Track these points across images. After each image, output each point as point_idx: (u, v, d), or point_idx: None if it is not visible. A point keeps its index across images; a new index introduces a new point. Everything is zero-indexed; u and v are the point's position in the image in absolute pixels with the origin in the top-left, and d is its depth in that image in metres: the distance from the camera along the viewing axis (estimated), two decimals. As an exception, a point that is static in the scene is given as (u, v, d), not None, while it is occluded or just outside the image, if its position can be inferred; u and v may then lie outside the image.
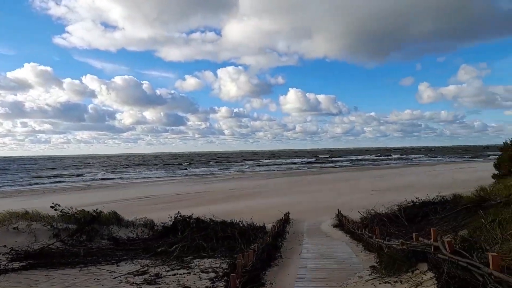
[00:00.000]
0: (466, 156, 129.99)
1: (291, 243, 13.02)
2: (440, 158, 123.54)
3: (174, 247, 11.98)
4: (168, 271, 9.27)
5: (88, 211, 15.92)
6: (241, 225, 16.19)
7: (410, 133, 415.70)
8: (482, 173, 52.25)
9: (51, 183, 64.73)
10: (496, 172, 34.25)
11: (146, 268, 9.66)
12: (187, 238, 13.59)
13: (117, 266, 10.28)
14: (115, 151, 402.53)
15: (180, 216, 16.63)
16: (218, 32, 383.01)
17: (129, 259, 11.08)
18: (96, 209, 15.68)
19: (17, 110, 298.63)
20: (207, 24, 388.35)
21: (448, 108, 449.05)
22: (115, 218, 16.17)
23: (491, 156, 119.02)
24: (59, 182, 66.01)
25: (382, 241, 8.84)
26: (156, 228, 16.57)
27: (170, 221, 16.35)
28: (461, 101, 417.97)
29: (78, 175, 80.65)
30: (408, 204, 17.09)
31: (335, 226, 17.15)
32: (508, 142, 33.30)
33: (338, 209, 20.32)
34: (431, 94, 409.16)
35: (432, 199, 16.72)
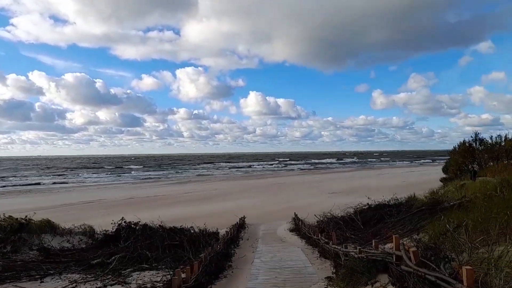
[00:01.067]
0: (416, 161, 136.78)
1: (244, 250, 12.15)
2: (392, 162, 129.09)
3: (112, 258, 10.66)
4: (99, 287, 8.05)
5: (17, 218, 14.10)
6: (192, 231, 15.08)
7: (364, 137, 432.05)
8: (431, 176, 54.82)
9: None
10: (444, 175, 35.84)
11: (74, 285, 8.36)
12: (130, 247, 12.29)
13: (41, 282, 8.88)
14: (66, 153, 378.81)
15: (125, 222, 15.25)
16: (177, 32, 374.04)
17: (57, 273, 9.64)
18: (26, 216, 13.88)
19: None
20: (165, 23, 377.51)
21: (399, 114, 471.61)
22: (49, 226, 14.39)
23: (437, 161, 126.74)
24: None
25: (339, 247, 8.22)
26: (96, 236, 15.01)
27: (113, 228, 14.93)
28: (411, 108, 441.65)
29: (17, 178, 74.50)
30: (364, 207, 16.90)
31: (291, 230, 16.53)
32: (457, 148, 34.92)
33: (294, 213, 19.77)
34: (384, 101, 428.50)
35: (387, 202, 16.65)
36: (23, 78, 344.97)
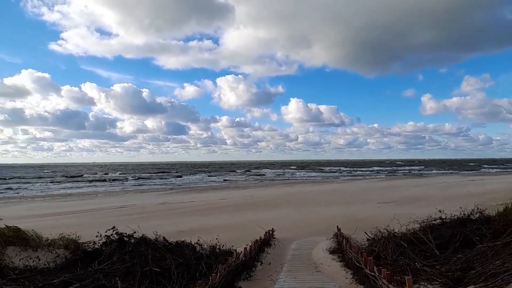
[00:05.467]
0: (474, 169, 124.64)
1: (257, 285, 8.20)
2: (447, 171, 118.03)
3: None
4: None
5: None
6: (199, 249, 11.44)
7: (414, 145, 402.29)
8: (498, 185, 47.55)
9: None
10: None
11: None
12: (103, 270, 8.85)
13: None
14: (119, 160, 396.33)
15: (117, 234, 11.97)
16: (216, 41, 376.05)
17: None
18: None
19: (17, 117, 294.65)
20: (202, 31, 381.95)
21: (452, 120, 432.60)
22: (19, 237, 11.42)
23: (496, 169, 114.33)
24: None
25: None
26: (79, 251, 11.80)
27: (100, 240, 11.73)
28: (465, 114, 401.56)
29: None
30: (434, 221, 12.29)
31: (332, 252, 12.23)
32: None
33: (337, 226, 15.47)
34: (434, 106, 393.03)
35: (468, 216, 11.90)
36: (76, 89, 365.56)
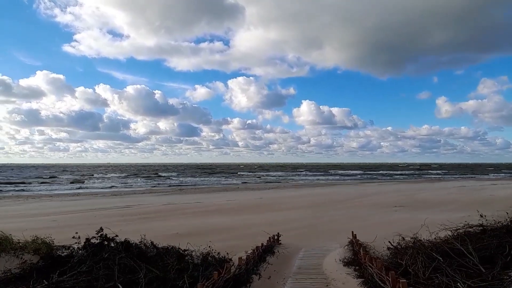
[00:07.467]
0: (494, 173, 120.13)
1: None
2: (465, 175, 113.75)
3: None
4: None
5: None
6: (188, 257, 9.66)
7: (429, 149, 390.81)
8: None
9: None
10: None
11: None
12: (58, 284, 7.15)
13: None
14: (132, 161, 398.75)
15: (100, 236, 10.34)
16: (226, 42, 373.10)
17: None
18: None
19: (33, 118, 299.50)
20: (212, 32, 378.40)
21: (468, 124, 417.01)
22: (-21, 239, 9.86)
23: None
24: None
25: None
26: (52, 255, 10.17)
27: (76, 244, 10.14)
28: (482, 117, 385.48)
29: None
30: (470, 229, 10.24)
31: (346, 263, 10.25)
32: None
33: (352, 232, 13.49)
34: (450, 109, 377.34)
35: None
36: (90, 90, 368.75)
